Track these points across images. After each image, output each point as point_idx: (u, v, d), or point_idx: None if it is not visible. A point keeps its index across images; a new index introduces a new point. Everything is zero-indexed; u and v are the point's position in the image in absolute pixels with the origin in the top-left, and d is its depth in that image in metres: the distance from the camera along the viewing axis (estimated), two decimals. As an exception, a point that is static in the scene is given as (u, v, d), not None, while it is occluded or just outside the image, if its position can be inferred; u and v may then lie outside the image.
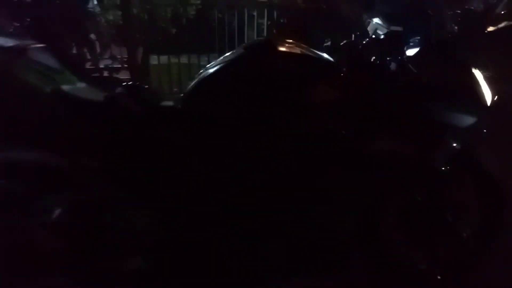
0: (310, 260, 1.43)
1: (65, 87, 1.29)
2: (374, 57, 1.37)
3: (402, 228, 1.54)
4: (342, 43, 1.46)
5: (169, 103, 1.40)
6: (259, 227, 1.36)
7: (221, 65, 1.34)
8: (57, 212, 1.24)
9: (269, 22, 3.53)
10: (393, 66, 1.35)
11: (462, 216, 1.54)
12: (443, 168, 1.40)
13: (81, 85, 1.36)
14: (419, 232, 1.54)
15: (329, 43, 1.53)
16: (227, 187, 1.32)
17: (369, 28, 1.48)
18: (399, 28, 1.38)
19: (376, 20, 1.48)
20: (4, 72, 1.15)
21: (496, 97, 1.38)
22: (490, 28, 1.32)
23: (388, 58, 1.34)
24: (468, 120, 1.38)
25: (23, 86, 1.18)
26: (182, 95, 1.39)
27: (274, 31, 2.91)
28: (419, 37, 1.36)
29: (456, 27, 1.35)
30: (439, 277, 1.62)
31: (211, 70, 1.35)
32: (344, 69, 1.36)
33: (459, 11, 1.43)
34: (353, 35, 1.45)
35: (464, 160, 1.46)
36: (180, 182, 1.31)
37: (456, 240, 1.58)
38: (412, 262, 1.61)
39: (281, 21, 3.20)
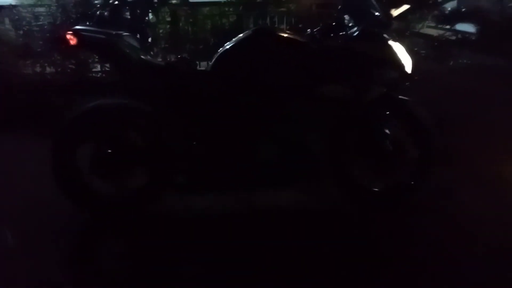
0: (292, 166, 2.18)
1: (143, 57, 2.18)
2: (330, 37, 2.16)
3: (353, 152, 2.24)
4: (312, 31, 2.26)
5: (203, 68, 2.24)
6: (259, 142, 2.14)
7: (233, 42, 2.17)
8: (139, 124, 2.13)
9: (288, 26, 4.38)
10: (340, 42, 2.13)
11: (399, 146, 2.20)
12: (372, 104, 2.14)
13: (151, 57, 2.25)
14: (365, 156, 2.22)
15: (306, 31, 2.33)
16: (236, 118, 2.13)
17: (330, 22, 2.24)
18: (344, 19, 2.15)
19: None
20: (112, 46, 2.06)
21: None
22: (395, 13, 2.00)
23: (335, 38, 2.12)
24: (392, 74, 2.12)
25: (123, 55, 2.08)
26: (210, 63, 2.23)
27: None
28: (359, 24, 2.12)
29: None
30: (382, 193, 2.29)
31: (227, 46, 2.18)
32: (311, 45, 2.15)
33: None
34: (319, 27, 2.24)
35: (393, 103, 2.18)
36: (209, 114, 2.14)
37: (396, 165, 2.20)
38: (366, 182, 2.29)
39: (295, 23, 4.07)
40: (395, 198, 2.33)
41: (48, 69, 3.91)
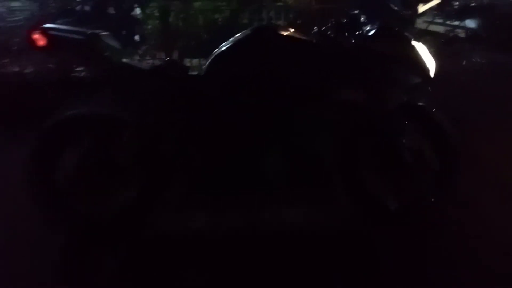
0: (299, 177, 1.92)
1: (126, 60, 1.87)
2: (343, 37, 1.87)
3: (369, 165, 1.98)
4: (321, 29, 1.97)
5: (195, 71, 1.94)
6: (262, 154, 1.87)
7: (231, 43, 1.87)
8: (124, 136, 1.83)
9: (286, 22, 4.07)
10: (354, 41, 1.84)
11: (419, 157, 1.93)
12: (395, 116, 1.86)
13: (134, 59, 1.95)
14: (383, 169, 1.96)
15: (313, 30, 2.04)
16: (234, 130, 1.85)
17: (342, 19, 1.96)
18: (357, 15, 1.86)
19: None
20: (88, 48, 1.75)
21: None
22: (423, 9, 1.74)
23: (349, 37, 1.83)
24: (414, 80, 1.83)
25: (98, 56, 1.76)
26: (203, 66, 1.93)
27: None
28: (376, 21, 1.83)
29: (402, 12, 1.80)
30: (401, 210, 2.03)
31: (223, 47, 1.88)
32: (320, 45, 1.86)
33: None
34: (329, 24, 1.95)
35: (414, 110, 1.91)
36: (204, 124, 1.84)
37: (415, 178, 1.96)
38: (380, 195, 2.03)
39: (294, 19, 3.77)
40: (414, 214, 2.06)
41: (22, 69, 3.57)
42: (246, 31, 1.92)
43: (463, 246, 1.87)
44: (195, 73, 1.94)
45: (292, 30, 1.94)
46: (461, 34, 4.11)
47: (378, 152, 1.95)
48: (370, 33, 1.83)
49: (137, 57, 1.92)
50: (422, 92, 1.86)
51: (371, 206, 2.05)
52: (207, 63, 1.90)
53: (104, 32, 1.87)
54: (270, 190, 1.95)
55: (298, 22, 3.84)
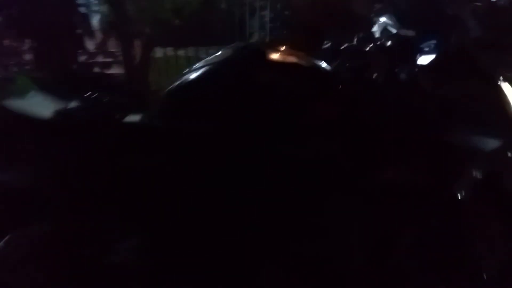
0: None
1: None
2: (379, 66, 1.17)
3: (418, 261, 1.36)
4: (342, 47, 1.26)
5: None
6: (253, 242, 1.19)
7: (205, 69, 1.18)
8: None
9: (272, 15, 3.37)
10: (403, 77, 1.15)
11: (487, 249, 1.32)
12: (463, 198, 1.20)
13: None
14: (437, 267, 1.36)
15: (328, 45, 1.33)
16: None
17: (376, 29, 1.28)
18: (410, 31, 1.16)
19: (384, 19, 1.27)
20: None
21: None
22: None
23: (397, 68, 1.14)
24: (496, 143, 1.17)
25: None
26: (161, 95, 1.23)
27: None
28: (435, 42, 1.15)
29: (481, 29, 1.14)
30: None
31: (189, 77, 1.18)
32: (343, 79, 1.16)
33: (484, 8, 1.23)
34: (355, 38, 1.24)
35: (489, 189, 1.25)
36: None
37: (480, 275, 1.37)
38: None
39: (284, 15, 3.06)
40: None
41: None
42: (224, 52, 1.21)
43: None
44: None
45: (293, 51, 1.24)
46: None
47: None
48: (426, 62, 1.14)
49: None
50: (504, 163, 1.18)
51: None
52: (163, 98, 1.23)
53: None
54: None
55: (301, 36, 2.96)
